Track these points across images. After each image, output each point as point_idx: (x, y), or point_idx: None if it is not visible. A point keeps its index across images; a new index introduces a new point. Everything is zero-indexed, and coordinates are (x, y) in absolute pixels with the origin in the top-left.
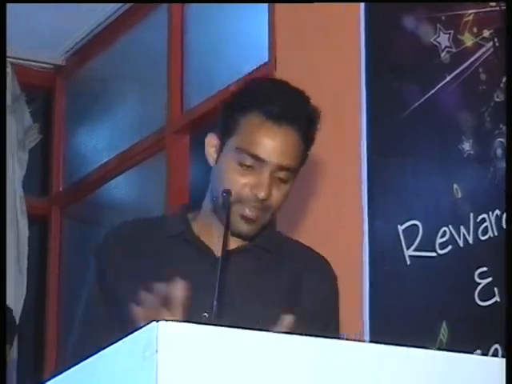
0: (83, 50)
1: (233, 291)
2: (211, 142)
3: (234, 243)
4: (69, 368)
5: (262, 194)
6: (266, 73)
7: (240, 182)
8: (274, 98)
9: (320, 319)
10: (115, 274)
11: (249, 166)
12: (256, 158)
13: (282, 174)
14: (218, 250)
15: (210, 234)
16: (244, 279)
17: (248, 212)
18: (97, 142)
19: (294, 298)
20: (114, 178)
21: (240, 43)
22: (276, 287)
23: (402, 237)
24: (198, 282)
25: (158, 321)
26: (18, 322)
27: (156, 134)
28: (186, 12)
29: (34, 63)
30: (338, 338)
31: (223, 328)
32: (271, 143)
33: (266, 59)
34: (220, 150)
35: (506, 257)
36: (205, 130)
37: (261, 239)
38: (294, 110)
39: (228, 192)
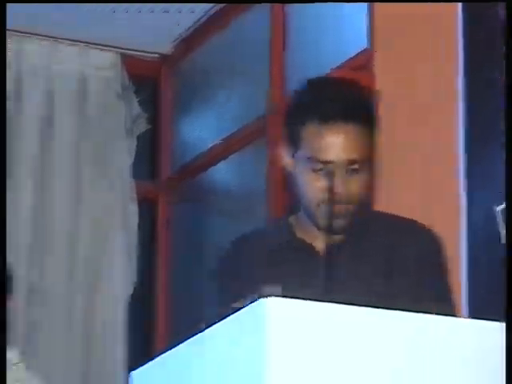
0: (189, 39)
1: (340, 281)
2: (284, 154)
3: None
4: (178, 344)
5: (338, 192)
6: (366, 59)
7: (317, 187)
8: (323, 101)
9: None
10: (236, 279)
11: (321, 169)
12: (325, 162)
13: (353, 167)
14: (321, 249)
15: (313, 235)
16: (348, 269)
17: (335, 209)
18: (201, 130)
19: (393, 275)
20: (216, 164)
21: (339, 30)
22: (375, 270)
23: (498, 217)
24: (310, 281)
25: (266, 297)
26: (127, 307)
27: (257, 121)
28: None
29: (140, 53)
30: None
31: (330, 304)
32: (333, 144)
33: (365, 45)
34: (293, 160)
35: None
36: None
37: (355, 227)
38: (347, 106)
39: None
